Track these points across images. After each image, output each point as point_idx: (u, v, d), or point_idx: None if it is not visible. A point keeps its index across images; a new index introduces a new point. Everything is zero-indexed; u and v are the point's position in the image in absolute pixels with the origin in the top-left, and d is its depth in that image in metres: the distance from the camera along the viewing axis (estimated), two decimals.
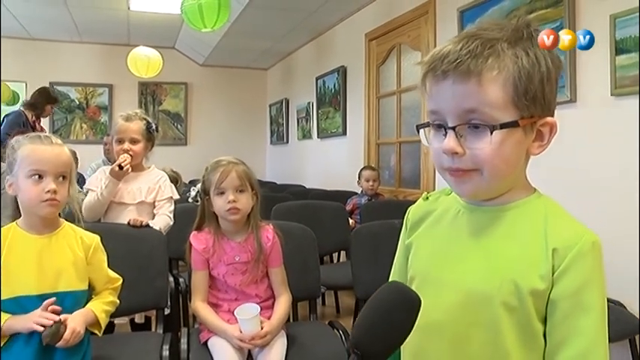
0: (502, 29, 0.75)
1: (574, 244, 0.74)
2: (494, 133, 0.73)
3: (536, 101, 0.75)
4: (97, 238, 1.53)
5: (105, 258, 1.54)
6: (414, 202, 0.98)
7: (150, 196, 2.25)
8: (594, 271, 0.75)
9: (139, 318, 2.17)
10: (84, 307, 1.45)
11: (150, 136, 2.30)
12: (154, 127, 2.31)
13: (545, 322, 0.76)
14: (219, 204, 1.77)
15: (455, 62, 0.72)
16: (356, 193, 4.04)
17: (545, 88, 0.75)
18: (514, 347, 0.76)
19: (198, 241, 1.81)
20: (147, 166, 2.36)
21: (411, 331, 0.71)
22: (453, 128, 0.75)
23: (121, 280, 1.58)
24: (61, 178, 1.40)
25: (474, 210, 0.83)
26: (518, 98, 0.73)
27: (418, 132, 0.83)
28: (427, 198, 0.94)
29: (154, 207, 2.28)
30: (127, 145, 2.21)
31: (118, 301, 1.56)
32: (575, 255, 0.74)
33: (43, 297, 1.36)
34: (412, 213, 0.96)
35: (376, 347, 0.71)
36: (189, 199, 2.05)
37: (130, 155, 2.20)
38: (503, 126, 0.73)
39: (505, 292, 0.76)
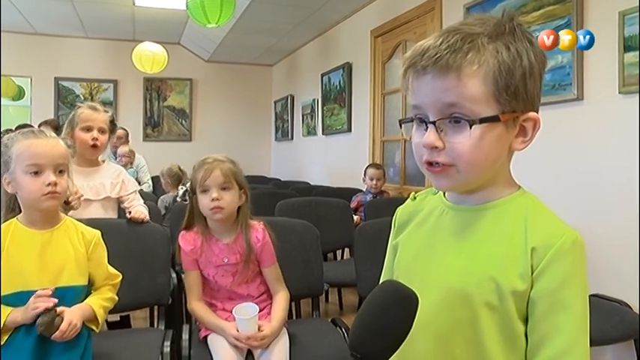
0: (484, 24, 0.75)
1: (553, 243, 0.74)
2: (473, 127, 0.73)
3: (518, 96, 0.74)
4: (97, 233, 1.53)
5: (105, 254, 1.53)
6: None
7: (114, 191, 2.23)
8: (574, 269, 0.74)
9: (112, 317, 2.14)
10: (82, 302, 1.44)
11: (113, 129, 2.29)
12: (115, 119, 2.30)
13: (526, 322, 0.76)
14: (203, 202, 1.74)
15: (434, 57, 0.72)
16: (361, 190, 4.03)
17: (528, 83, 0.75)
18: (495, 346, 0.76)
19: (186, 241, 1.79)
20: (101, 160, 2.32)
21: (410, 329, 0.69)
22: (434, 122, 0.75)
23: (121, 277, 1.58)
24: (58, 171, 1.40)
25: (458, 209, 0.83)
26: (499, 93, 0.73)
27: (401, 126, 0.82)
28: (415, 198, 0.95)
29: (119, 202, 2.26)
30: (95, 134, 2.17)
31: (117, 298, 1.55)
32: (553, 254, 0.73)
33: None
34: (400, 213, 0.96)
35: (376, 348, 0.69)
36: (178, 198, 2.02)
37: (97, 145, 2.16)
38: (482, 120, 0.73)
39: (485, 291, 0.75)
